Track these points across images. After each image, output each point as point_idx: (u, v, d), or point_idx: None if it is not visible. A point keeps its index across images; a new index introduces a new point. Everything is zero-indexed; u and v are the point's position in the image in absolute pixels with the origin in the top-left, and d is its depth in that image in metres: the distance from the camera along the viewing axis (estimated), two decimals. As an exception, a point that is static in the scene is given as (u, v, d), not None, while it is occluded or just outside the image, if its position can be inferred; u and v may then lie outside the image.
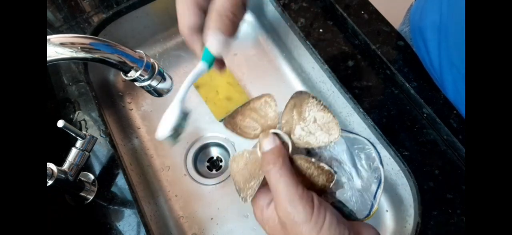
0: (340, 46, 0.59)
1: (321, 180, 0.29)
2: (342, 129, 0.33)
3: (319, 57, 0.58)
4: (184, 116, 0.30)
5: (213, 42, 0.30)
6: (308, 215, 0.26)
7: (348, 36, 0.60)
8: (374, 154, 0.34)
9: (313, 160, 0.30)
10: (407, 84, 0.53)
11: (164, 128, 0.30)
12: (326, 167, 0.30)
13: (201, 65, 0.31)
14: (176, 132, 0.30)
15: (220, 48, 0.30)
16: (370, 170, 0.34)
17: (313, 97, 0.31)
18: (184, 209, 0.59)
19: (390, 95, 0.54)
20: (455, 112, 0.51)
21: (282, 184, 0.27)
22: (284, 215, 0.27)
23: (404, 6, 0.66)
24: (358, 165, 0.34)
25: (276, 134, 0.30)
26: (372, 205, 0.33)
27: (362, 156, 0.35)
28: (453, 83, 0.50)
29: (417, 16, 0.56)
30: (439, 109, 0.51)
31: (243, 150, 0.32)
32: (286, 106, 0.32)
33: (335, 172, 0.32)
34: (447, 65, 0.50)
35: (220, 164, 0.64)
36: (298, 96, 0.31)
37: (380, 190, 0.34)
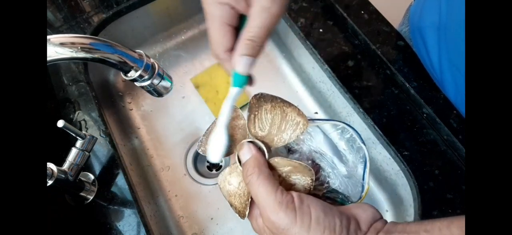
0: (340, 46, 0.59)
1: (302, 177, 0.29)
2: (313, 119, 0.33)
3: (319, 57, 0.58)
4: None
5: (244, 66, 0.30)
6: (292, 219, 0.26)
7: (348, 36, 0.60)
8: (354, 135, 0.34)
9: (288, 158, 0.30)
10: (407, 84, 0.53)
11: (216, 155, 0.31)
12: (303, 163, 0.30)
13: (235, 91, 0.31)
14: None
15: (249, 69, 0.31)
16: (354, 152, 0.34)
17: (264, 101, 0.31)
18: (184, 209, 0.59)
19: (390, 95, 0.54)
20: (455, 112, 0.50)
21: (261, 194, 0.27)
22: (270, 225, 0.27)
23: (403, 5, 0.66)
24: (341, 151, 0.34)
25: (250, 142, 0.31)
26: (363, 187, 0.33)
27: (342, 140, 0.35)
28: (453, 83, 0.50)
29: (417, 17, 0.56)
30: (439, 109, 0.51)
31: (227, 167, 0.32)
32: (248, 117, 0.32)
33: (317, 164, 0.32)
34: (447, 65, 0.50)
35: (220, 164, 0.64)
36: (254, 104, 0.32)
37: (367, 169, 0.34)
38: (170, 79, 0.38)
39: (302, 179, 0.29)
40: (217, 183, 0.61)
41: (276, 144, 0.31)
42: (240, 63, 0.30)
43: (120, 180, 0.49)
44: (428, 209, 0.46)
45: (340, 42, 0.59)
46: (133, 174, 0.57)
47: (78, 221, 0.46)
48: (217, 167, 0.64)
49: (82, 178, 0.48)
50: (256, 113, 0.32)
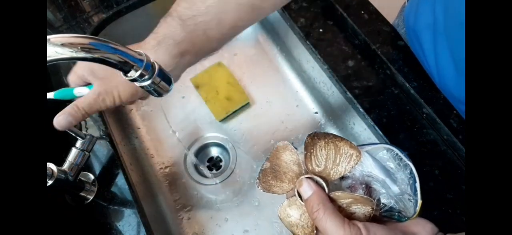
0: (340, 46, 0.59)
1: (363, 207, 0.32)
2: (360, 145, 0.35)
3: (319, 57, 0.58)
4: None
5: (62, 119, 0.39)
6: None
7: (348, 36, 0.60)
8: (399, 153, 0.36)
9: (349, 192, 0.33)
10: (407, 84, 0.53)
11: None
12: (364, 196, 0.32)
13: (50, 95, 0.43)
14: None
15: (66, 125, 0.39)
16: (401, 170, 0.36)
17: (318, 138, 0.33)
18: (184, 209, 0.59)
19: (390, 95, 0.54)
20: (455, 112, 0.50)
21: (330, 228, 0.29)
22: None
23: (398, 4, 0.66)
24: (390, 171, 0.36)
25: (309, 177, 0.33)
26: (416, 202, 0.35)
27: (390, 161, 0.36)
28: (450, 84, 0.50)
29: (412, 18, 0.56)
30: (439, 109, 0.51)
31: (286, 200, 0.34)
32: (305, 156, 0.34)
33: (371, 187, 0.34)
34: (443, 66, 0.50)
35: (220, 164, 0.64)
36: (309, 143, 0.34)
37: (417, 184, 0.35)
38: (170, 79, 0.38)
39: (362, 208, 0.31)
40: (217, 183, 0.61)
41: (332, 177, 0.33)
42: (59, 120, 0.39)
43: (120, 180, 0.49)
44: (428, 209, 0.46)
45: (340, 42, 0.59)
46: (133, 174, 0.57)
47: (78, 221, 0.46)
48: (217, 167, 0.64)
49: (82, 178, 0.48)
50: (312, 151, 0.34)
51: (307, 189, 0.31)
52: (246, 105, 0.67)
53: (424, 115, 0.52)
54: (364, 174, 0.34)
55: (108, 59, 0.31)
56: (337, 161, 0.33)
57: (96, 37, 0.31)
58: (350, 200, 0.31)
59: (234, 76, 0.69)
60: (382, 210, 0.34)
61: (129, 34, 0.68)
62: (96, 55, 0.30)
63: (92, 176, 0.49)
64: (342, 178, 0.35)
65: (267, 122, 0.66)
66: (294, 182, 0.34)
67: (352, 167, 0.33)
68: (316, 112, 0.66)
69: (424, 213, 0.48)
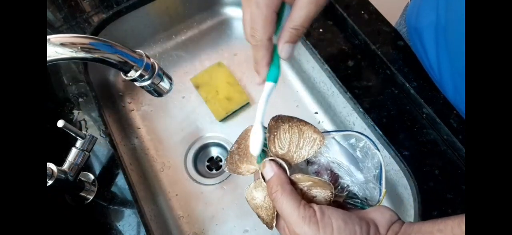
0: (340, 46, 0.59)
1: (322, 190, 0.31)
2: (327, 132, 0.36)
3: (319, 57, 0.58)
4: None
5: (288, 53, 0.33)
6: (315, 232, 0.28)
7: (348, 36, 0.60)
8: (368, 142, 0.36)
9: (308, 175, 0.33)
10: (407, 84, 0.53)
11: (256, 148, 0.33)
12: (322, 179, 0.32)
13: (270, 86, 0.34)
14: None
15: (291, 55, 0.33)
16: (368, 159, 0.36)
17: (282, 121, 0.34)
18: (184, 209, 0.59)
19: (390, 95, 0.54)
20: (455, 112, 0.51)
21: (285, 209, 0.29)
22: None
23: (401, 5, 0.66)
24: (356, 158, 0.36)
25: (272, 160, 0.33)
26: (380, 191, 0.35)
27: (357, 149, 0.36)
28: (452, 83, 0.50)
29: (414, 17, 0.56)
30: (439, 109, 0.51)
31: (252, 182, 0.34)
32: (268, 138, 0.34)
33: (335, 174, 0.34)
34: (446, 65, 0.50)
35: (220, 164, 0.64)
36: (272, 125, 0.34)
37: (383, 174, 0.35)
38: (170, 79, 0.38)
39: (322, 192, 0.31)
40: (217, 183, 0.61)
41: (295, 160, 0.33)
42: (285, 51, 0.33)
43: (120, 180, 0.49)
44: (428, 209, 0.46)
45: (340, 42, 0.59)
46: (133, 174, 0.57)
47: (78, 221, 0.46)
48: (216, 167, 0.64)
49: (82, 178, 0.48)
50: (276, 133, 0.34)
51: (269, 171, 0.32)
52: (246, 105, 0.67)
53: (424, 115, 0.52)
54: (330, 160, 0.35)
55: (108, 59, 0.31)
56: (301, 145, 0.33)
57: (96, 37, 0.31)
58: (309, 183, 0.32)
59: (234, 76, 0.69)
60: (345, 196, 0.34)
61: (129, 34, 0.68)
62: (96, 55, 0.30)
63: (92, 176, 0.49)
64: (309, 163, 0.35)
65: (267, 122, 0.66)
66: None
67: (315, 152, 0.33)
68: (316, 112, 0.66)
69: (424, 213, 0.48)
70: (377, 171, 0.35)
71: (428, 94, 0.52)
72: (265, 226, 0.33)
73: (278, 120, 0.34)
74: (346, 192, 0.34)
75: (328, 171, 0.34)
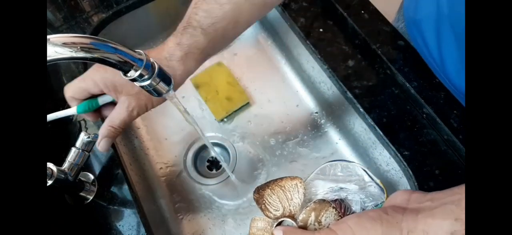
0: (340, 46, 0.59)
1: (327, 213, 0.34)
2: (307, 177, 0.40)
3: (319, 57, 0.58)
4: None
5: (104, 146, 0.42)
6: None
7: (348, 36, 0.60)
8: (342, 163, 0.40)
9: (305, 207, 0.35)
10: (407, 84, 0.53)
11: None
12: (317, 200, 0.35)
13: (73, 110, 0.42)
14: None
15: (108, 148, 0.42)
16: (351, 173, 0.40)
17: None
18: (184, 209, 0.59)
19: (390, 95, 0.54)
20: (455, 112, 0.50)
21: None
22: None
23: (396, 2, 0.66)
24: (339, 179, 0.40)
25: (277, 225, 0.35)
26: (378, 185, 0.39)
27: (338, 172, 0.40)
28: (455, 72, 0.50)
29: (411, 10, 0.56)
30: (439, 109, 0.51)
31: (262, 217, 0.37)
32: (261, 210, 0.37)
33: (336, 201, 0.38)
34: (448, 54, 0.49)
35: (220, 163, 0.64)
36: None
37: (370, 173, 0.39)
38: (170, 78, 0.38)
39: (329, 215, 0.34)
40: (217, 183, 0.61)
41: (295, 211, 0.36)
42: (102, 145, 0.42)
43: (120, 180, 0.49)
44: (428, 209, 0.46)
45: (340, 42, 0.59)
46: (133, 174, 0.57)
47: (78, 221, 0.46)
48: (216, 167, 0.64)
49: (82, 178, 0.48)
50: (264, 202, 0.37)
51: (278, 232, 0.34)
52: (246, 105, 0.67)
53: (424, 115, 0.52)
54: (324, 196, 0.38)
55: (108, 59, 0.31)
56: (290, 196, 0.36)
57: (96, 37, 0.31)
58: (312, 213, 0.34)
59: (234, 76, 0.69)
60: (353, 206, 0.37)
61: (129, 34, 0.68)
62: (95, 55, 0.30)
63: (92, 176, 0.49)
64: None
65: (267, 122, 0.66)
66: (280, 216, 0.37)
67: (303, 193, 0.36)
68: (316, 112, 0.66)
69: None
70: (365, 173, 0.39)
71: (429, 94, 0.52)
72: None
73: (259, 191, 0.37)
74: (354, 209, 0.37)
75: (332, 204, 0.36)
